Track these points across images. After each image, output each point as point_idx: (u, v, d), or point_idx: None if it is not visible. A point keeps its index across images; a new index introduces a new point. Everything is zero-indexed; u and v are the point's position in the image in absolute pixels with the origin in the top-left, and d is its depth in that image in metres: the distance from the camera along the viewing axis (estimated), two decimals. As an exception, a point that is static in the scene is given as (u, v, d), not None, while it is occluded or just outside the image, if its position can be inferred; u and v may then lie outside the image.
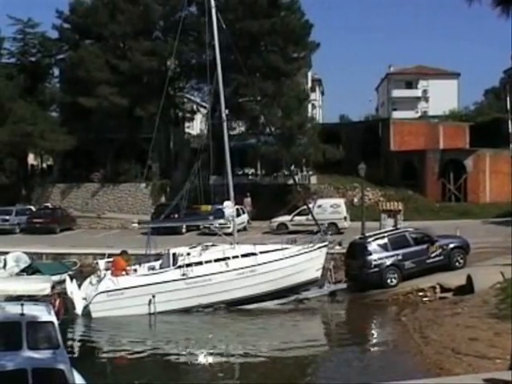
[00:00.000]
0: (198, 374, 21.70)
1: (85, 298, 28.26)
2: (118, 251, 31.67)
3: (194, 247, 31.05)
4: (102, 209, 61.33)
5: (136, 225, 38.06)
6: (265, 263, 30.30)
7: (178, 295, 28.64)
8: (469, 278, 28.82)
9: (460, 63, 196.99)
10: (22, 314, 15.71)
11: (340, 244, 34.47)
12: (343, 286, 32.69)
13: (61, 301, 19.28)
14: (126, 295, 28.25)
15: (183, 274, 29.07)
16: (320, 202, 50.26)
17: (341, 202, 50.23)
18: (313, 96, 77.65)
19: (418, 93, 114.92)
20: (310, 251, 31.86)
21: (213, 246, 31.40)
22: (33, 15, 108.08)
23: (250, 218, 52.23)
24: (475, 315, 24.06)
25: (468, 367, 18.59)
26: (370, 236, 33.03)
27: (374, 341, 25.51)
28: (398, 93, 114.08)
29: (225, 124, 34.69)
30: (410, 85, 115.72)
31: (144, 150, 59.94)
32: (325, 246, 32.58)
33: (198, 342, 25.49)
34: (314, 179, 62.34)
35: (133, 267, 30.67)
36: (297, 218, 48.36)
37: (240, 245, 31.59)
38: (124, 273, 29.46)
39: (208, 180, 62.46)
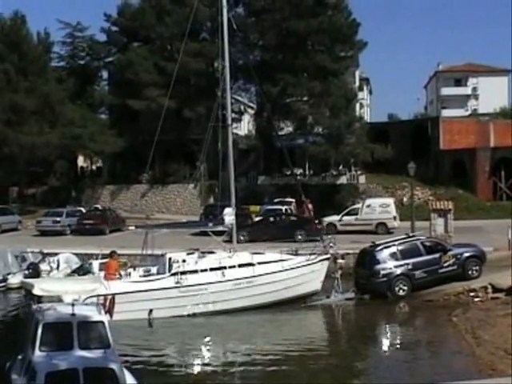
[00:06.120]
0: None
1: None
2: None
3: (192, 253, 30.21)
4: (151, 210, 61.81)
5: (133, 227, 37.80)
6: (262, 275, 29.56)
7: (170, 303, 28.02)
8: (522, 278, 28.34)
9: (510, 59, 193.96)
10: (73, 314, 15.86)
11: (343, 257, 33.76)
12: (351, 295, 31.60)
13: (111, 300, 19.33)
14: (116, 301, 27.58)
15: (177, 282, 28.45)
16: (369, 201, 50.02)
17: (390, 201, 49.89)
18: (361, 95, 77.28)
19: (468, 90, 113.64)
20: (311, 264, 31.05)
21: (210, 253, 30.55)
22: (81, 19, 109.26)
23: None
24: (528, 316, 23.65)
25: (522, 368, 18.27)
26: (380, 244, 32.13)
27: (425, 341, 25.17)
28: (447, 91, 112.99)
29: (229, 129, 34.04)
30: (459, 82, 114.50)
31: (193, 151, 60.41)
32: (327, 258, 31.67)
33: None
34: (362, 179, 62.06)
35: (128, 270, 29.88)
36: (346, 217, 48.16)
37: (238, 253, 30.58)
38: (117, 276, 28.66)
39: (256, 180, 62.83)
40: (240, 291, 29.09)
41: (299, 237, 43.80)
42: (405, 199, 57.25)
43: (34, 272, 34.26)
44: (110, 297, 19.90)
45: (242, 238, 41.20)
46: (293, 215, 48.91)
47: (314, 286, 31.20)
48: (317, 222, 45.40)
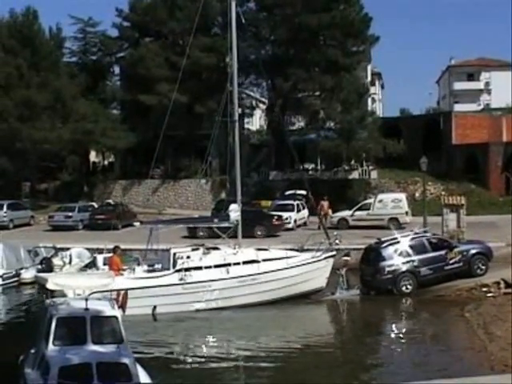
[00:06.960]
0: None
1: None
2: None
3: (197, 249, 30.07)
4: (163, 205, 61.92)
5: (138, 224, 37.67)
6: (267, 272, 29.37)
7: (174, 300, 27.86)
8: (534, 273, 28.24)
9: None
10: (87, 309, 15.92)
11: (348, 255, 33.65)
12: (356, 292, 31.43)
13: (124, 296, 19.37)
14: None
15: (181, 279, 28.28)
16: (381, 196, 49.98)
17: (402, 196, 49.79)
18: (373, 90, 77.18)
19: (480, 85, 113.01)
20: (316, 261, 30.82)
21: (215, 249, 30.43)
22: (93, 14, 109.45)
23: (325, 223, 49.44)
24: (541, 311, 23.59)
25: (534, 364, 18.22)
26: (386, 241, 31.79)
27: (437, 336, 25.11)
28: (459, 85, 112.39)
29: (236, 124, 33.94)
30: (471, 77, 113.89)
31: (204, 146, 60.57)
32: (332, 256, 31.38)
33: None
34: (374, 174, 62.00)
35: (133, 266, 29.75)
36: (358, 212, 48.12)
37: (243, 250, 30.40)
38: (120, 272, 28.21)
39: (268, 175, 62.81)
40: (244, 288, 28.93)
41: (258, 233, 43.81)
42: (417, 194, 57.15)
43: (47, 267, 34.40)
44: (123, 292, 19.96)
45: (201, 233, 41.21)
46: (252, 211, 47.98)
47: (319, 282, 30.95)
48: (276, 217, 45.36)
